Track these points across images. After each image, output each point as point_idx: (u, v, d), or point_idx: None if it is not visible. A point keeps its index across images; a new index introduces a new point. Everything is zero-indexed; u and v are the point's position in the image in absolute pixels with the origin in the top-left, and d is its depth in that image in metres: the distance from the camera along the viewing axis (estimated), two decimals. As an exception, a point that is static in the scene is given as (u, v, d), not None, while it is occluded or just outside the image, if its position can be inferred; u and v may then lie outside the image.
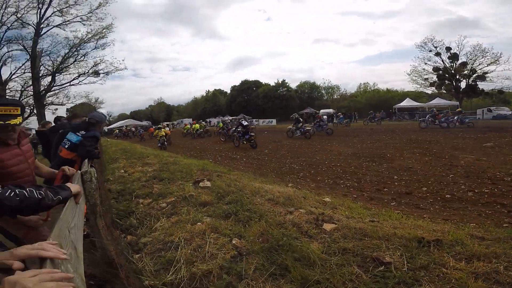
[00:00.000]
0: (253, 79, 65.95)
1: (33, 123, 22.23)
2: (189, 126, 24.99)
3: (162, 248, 2.28)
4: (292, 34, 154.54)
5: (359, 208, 3.42)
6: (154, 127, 29.69)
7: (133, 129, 35.38)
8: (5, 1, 16.99)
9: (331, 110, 40.86)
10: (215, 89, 77.23)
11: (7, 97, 18.11)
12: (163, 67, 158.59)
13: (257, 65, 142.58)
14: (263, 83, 64.90)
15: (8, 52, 18.52)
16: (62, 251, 0.74)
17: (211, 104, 69.93)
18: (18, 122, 1.61)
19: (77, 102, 23.70)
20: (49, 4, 18.49)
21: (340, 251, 2.10)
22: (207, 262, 2.06)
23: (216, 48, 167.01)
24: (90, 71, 20.65)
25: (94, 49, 20.65)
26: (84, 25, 19.99)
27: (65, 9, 19.05)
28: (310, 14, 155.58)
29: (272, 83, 62.90)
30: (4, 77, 18.59)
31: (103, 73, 21.23)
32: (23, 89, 19.51)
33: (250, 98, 61.78)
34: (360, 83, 61.40)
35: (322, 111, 41.44)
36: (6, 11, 17.34)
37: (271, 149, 12.42)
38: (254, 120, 48.70)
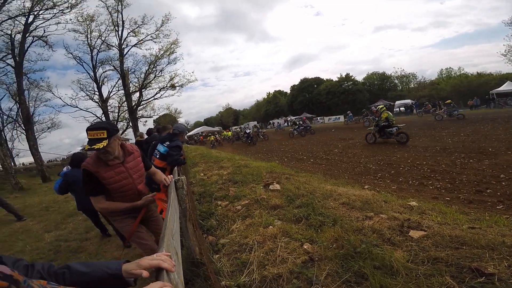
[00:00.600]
0: (313, 76, 64.33)
1: (129, 134, 26.69)
2: (213, 138, 27.97)
3: (238, 250, 2.43)
4: (348, 26, 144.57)
5: (454, 213, 2.95)
6: (203, 134, 33.55)
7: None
8: (88, 27, 20.76)
9: (408, 101, 36.01)
10: (275, 91, 78.38)
11: (101, 118, 22.33)
12: (226, 74, 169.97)
13: (315, 61, 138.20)
14: (325, 79, 62.53)
15: (103, 72, 22.59)
16: (172, 262, 0.86)
17: (272, 106, 71.06)
18: (101, 146, 1.70)
19: (161, 113, 27.48)
20: (123, 26, 21.83)
21: (430, 260, 1.86)
22: (277, 266, 2.09)
23: (270, 50, 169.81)
24: (168, 85, 23.67)
25: (167, 64, 23.57)
26: (155, 42, 23.07)
27: (136, 29, 22.15)
28: (363, 3, 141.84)
29: (334, 78, 59.89)
30: (104, 95, 22.71)
31: (178, 86, 24.02)
32: (119, 105, 23.70)
33: (312, 95, 60.25)
34: (442, 69, 52.58)
35: (398, 102, 37.04)
36: (92, 35, 21.14)
37: (341, 148, 11.78)
38: (319, 118, 47.12)
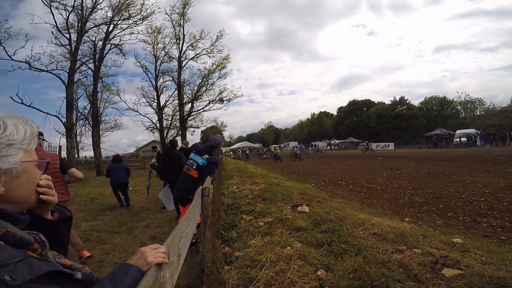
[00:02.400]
0: (362, 99, 61.35)
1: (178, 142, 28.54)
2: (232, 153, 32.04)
3: (249, 265, 2.39)
4: (405, 45, 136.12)
5: (506, 253, 2.58)
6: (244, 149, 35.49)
7: (247, 151, 40.07)
8: (155, 39, 23.33)
9: (472, 130, 31.65)
10: (320, 112, 77.17)
11: (156, 125, 24.83)
12: (271, 92, 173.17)
13: (366, 82, 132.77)
14: (376, 101, 59.24)
15: (164, 82, 25.29)
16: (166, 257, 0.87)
17: (316, 127, 69.59)
18: None
19: (208, 125, 29.10)
20: (183, 40, 24.09)
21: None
22: None
23: (319, 70, 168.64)
24: (217, 99, 25.05)
25: (218, 78, 25.07)
26: (209, 57, 24.82)
27: (194, 43, 24.22)
28: (422, 21, 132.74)
29: (387, 101, 56.28)
30: (161, 103, 25.24)
31: (226, 100, 25.27)
32: (173, 113, 25.93)
33: (361, 119, 57.18)
34: (517, 94, 45.28)
35: (458, 132, 32.95)
36: (157, 46, 23.79)
37: (386, 177, 10.90)
38: (366, 143, 44.49)
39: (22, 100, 15.36)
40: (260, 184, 7.21)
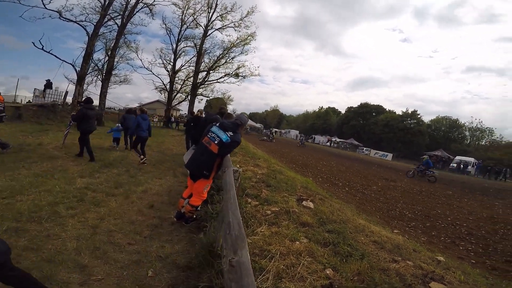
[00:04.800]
0: (375, 103, 60.62)
1: (181, 106, 28.23)
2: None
3: (258, 254, 2.47)
4: (436, 59, 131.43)
5: (477, 275, 3.07)
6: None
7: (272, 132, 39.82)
8: (187, 3, 22.83)
9: (471, 159, 31.75)
10: (329, 107, 76.33)
11: (166, 86, 24.75)
12: (284, 77, 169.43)
13: (381, 88, 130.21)
14: (387, 109, 58.60)
15: (184, 47, 24.98)
16: None
17: (321, 121, 69.11)
18: None
19: (215, 96, 28.88)
20: (215, 9, 23.54)
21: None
22: (295, 282, 2.10)
23: (337, 65, 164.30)
24: (233, 73, 24.76)
25: (240, 53, 24.61)
26: (235, 30, 24.23)
27: (224, 14, 23.65)
28: (465, 39, 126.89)
29: (398, 112, 55.79)
30: (176, 67, 25.10)
31: (241, 76, 24.97)
32: (185, 79, 25.80)
33: (367, 123, 56.91)
34: (528, 131, 44.78)
35: (457, 157, 33.15)
36: (187, 12, 23.37)
37: (380, 187, 11.18)
38: (365, 148, 44.73)
39: (43, 47, 15.28)
40: (263, 168, 7.34)
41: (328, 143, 51.68)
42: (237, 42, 23.98)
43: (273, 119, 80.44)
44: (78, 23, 16.45)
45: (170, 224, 3.54)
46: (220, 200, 4.06)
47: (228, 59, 24.61)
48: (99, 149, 8.19)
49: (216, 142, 3.25)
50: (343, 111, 68.16)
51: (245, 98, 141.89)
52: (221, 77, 25.01)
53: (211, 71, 24.63)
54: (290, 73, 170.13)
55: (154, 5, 19.47)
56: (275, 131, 47.39)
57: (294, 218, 3.54)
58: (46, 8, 14.96)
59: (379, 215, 6.71)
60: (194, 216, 3.62)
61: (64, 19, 15.89)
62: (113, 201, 4.10)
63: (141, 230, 3.28)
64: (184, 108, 43.53)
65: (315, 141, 54.04)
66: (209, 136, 3.36)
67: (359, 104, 61.57)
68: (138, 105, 46.33)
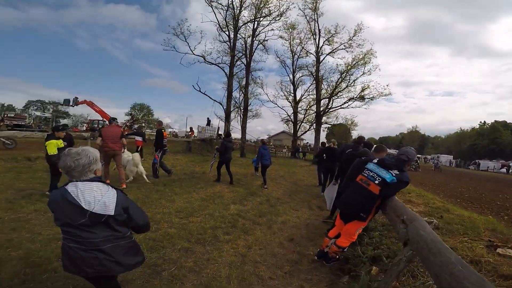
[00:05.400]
0: None
1: (309, 137, 28.81)
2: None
3: None
4: None
5: None
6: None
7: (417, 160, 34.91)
8: (291, 34, 23.86)
9: None
10: (495, 121, 56.71)
11: (291, 117, 25.99)
12: (419, 92, 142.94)
13: None
14: None
15: (300, 77, 26.03)
16: None
17: (486, 141, 51.90)
18: None
19: (337, 123, 27.75)
20: (319, 34, 23.36)
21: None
22: None
23: (491, 68, 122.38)
24: (357, 96, 23.13)
25: (362, 74, 22.78)
26: (347, 51, 22.85)
27: (330, 38, 22.95)
28: None
29: None
30: (297, 97, 26.29)
31: (368, 98, 22.90)
32: (307, 108, 26.43)
33: None
34: None
35: None
36: (293, 42, 24.43)
37: None
38: None
39: (200, 89, 19.72)
40: (419, 205, 5.93)
41: (504, 170, 37.67)
42: (353, 63, 22.58)
43: (413, 142, 68.00)
44: (217, 65, 19.98)
45: (309, 261, 3.40)
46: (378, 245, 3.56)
47: (350, 83, 23.38)
48: (245, 178, 9.40)
49: (377, 182, 2.83)
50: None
51: (370, 121, 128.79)
52: (344, 102, 23.88)
53: (333, 97, 24.03)
54: (425, 86, 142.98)
55: (266, 41, 21.39)
56: (418, 158, 39.13)
57: (489, 270, 2.59)
58: (193, 53, 19.25)
59: None
60: (337, 257, 3.28)
61: (207, 63, 19.77)
62: (259, 230, 4.34)
63: (281, 264, 3.26)
64: (307, 137, 44.53)
65: (480, 168, 40.76)
66: (365, 174, 2.97)
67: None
68: (267, 136, 51.94)
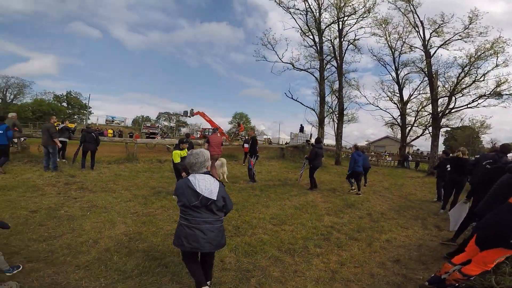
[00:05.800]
0: None
1: (421, 143, 24.32)
2: None
3: None
4: None
5: None
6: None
7: None
8: (385, 30, 20.26)
9: None
10: None
11: (397, 120, 22.42)
12: None
13: None
14: None
15: (405, 74, 22.04)
16: None
17: None
18: None
19: (460, 125, 21.91)
20: (423, 26, 18.78)
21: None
22: None
23: None
24: (491, 92, 17.61)
25: (495, 67, 17.29)
26: (465, 42, 17.65)
27: (438, 29, 18.24)
28: None
29: None
30: (404, 97, 22.58)
31: (508, 94, 17.16)
32: (418, 109, 22.24)
33: None
34: None
35: None
36: (391, 38, 20.67)
37: None
38: None
39: (292, 95, 19.85)
40: None
41: None
42: (478, 54, 17.24)
43: None
44: (306, 71, 19.49)
45: (416, 286, 2.92)
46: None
47: (478, 77, 18.01)
48: (341, 187, 8.82)
49: None
50: None
51: (508, 121, 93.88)
52: (473, 101, 18.45)
53: (455, 95, 18.97)
54: None
55: (357, 40, 19.41)
56: None
57: None
58: (282, 61, 19.20)
59: None
60: (457, 285, 2.67)
61: (296, 69, 19.49)
62: (356, 246, 3.92)
63: (379, 286, 2.88)
64: (418, 143, 37.48)
65: None
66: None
67: None
68: (366, 142, 47.00)
